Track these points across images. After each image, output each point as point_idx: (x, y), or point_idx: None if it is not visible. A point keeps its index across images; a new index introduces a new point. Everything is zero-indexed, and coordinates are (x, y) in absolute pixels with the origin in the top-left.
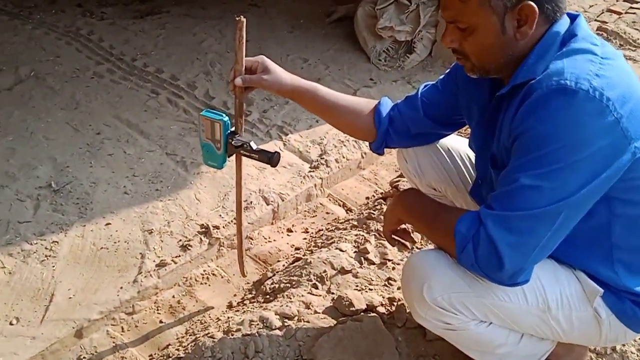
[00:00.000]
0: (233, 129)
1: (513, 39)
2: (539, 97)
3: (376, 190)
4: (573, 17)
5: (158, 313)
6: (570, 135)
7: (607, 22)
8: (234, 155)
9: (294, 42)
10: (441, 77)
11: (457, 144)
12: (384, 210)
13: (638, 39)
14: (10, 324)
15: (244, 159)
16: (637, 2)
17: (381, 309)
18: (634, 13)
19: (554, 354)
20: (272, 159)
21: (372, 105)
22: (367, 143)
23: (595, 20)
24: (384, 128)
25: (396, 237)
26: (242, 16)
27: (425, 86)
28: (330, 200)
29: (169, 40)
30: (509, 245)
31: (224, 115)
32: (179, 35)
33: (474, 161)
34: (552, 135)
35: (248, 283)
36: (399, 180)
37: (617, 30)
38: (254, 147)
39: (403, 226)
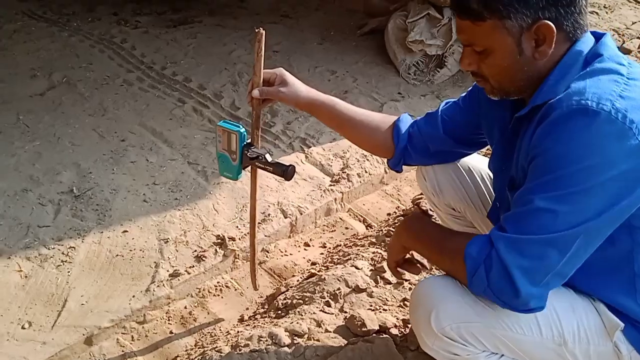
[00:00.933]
0: (249, 140)
1: (532, 59)
2: (558, 117)
3: (398, 207)
4: (598, 36)
5: (169, 323)
6: (589, 158)
7: None
8: (250, 167)
9: (323, 53)
10: (463, 94)
11: (479, 163)
12: (388, 250)
13: None
14: (23, 327)
15: (260, 171)
16: None
17: (394, 331)
18: None
19: None
20: (286, 172)
21: (391, 121)
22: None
23: (638, 37)
24: (402, 145)
25: (401, 270)
26: (261, 28)
27: (447, 103)
28: (350, 215)
29: (199, 49)
30: (521, 270)
31: (241, 126)
32: (209, 45)
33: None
34: (570, 156)
35: (261, 297)
36: (421, 197)
37: None
38: (269, 159)
39: (408, 256)
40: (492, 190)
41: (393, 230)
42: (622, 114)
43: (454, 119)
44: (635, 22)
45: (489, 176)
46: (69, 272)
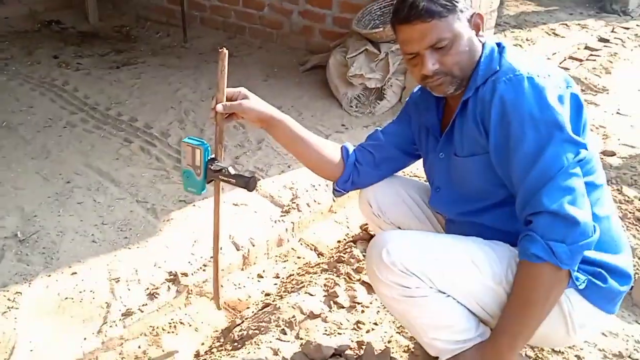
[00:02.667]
0: (213, 155)
1: (478, 44)
2: (506, 87)
3: (347, 234)
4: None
5: None
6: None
7: (569, 69)
8: (213, 181)
9: (268, 89)
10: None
11: (412, 180)
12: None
13: (598, 84)
14: None
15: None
16: (597, 50)
17: (350, 353)
18: (594, 60)
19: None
20: (248, 183)
21: (339, 146)
22: (332, 190)
23: (558, 66)
24: (351, 161)
25: None
26: (224, 47)
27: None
28: (301, 244)
29: (144, 89)
30: (567, 204)
31: (205, 142)
32: (154, 84)
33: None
34: (533, 109)
35: (216, 331)
36: (368, 224)
37: (579, 76)
38: (232, 172)
39: None
40: (427, 198)
41: (343, 256)
42: (544, 74)
43: (392, 131)
44: (555, 53)
45: (423, 187)
46: (15, 318)
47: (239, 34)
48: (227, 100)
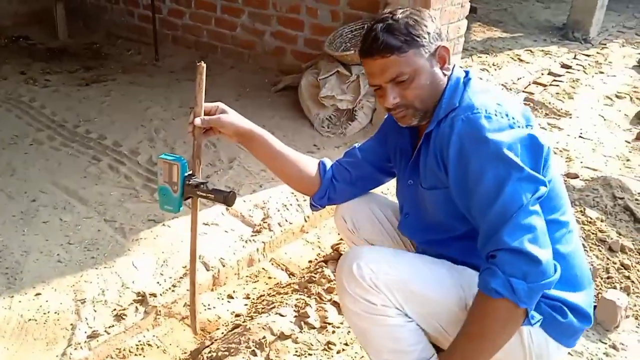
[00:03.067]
0: (191, 172)
1: (442, 76)
2: (462, 126)
3: (319, 254)
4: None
5: None
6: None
7: (533, 94)
8: (190, 198)
9: (240, 109)
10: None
11: (387, 200)
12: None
13: (561, 108)
14: None
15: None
16: (560, 76)
17: None
18: (557, 85)
19: None
20: (227, 198)
21: (316, 161)
22: (309, 204)
23: (523, 91)
24: (328, 177)
25: None
26: (202, 61)
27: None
28: (273, 264)
29: (114, 107)
30: (529, 242)
31: (182, 158)
32: (124, 102)
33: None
34: (492, 146)
35: (185, 352)
36: (339, 243)
37: (543, 100)
38: (210, 187)
39: None
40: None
41: (314, 276)
42: (501, 114)
43: (368, 148)
44: (520, 78)
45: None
46: None
47: (211, 53)
48: (205, 114)
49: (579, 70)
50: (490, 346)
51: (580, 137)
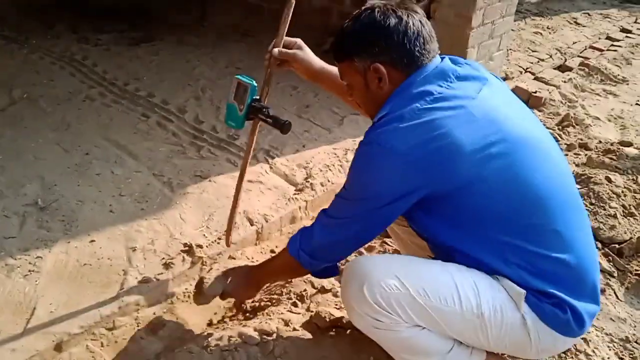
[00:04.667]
0: (258, 97)
1: (376, 92)
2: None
3: None
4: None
5: (138, 329)
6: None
7: (589, 59)
8: (253, 120)
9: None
10: None
11: None
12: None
13: (618, 74)
14: None
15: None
16: (618, 40)
17: None
18: (615, 50)
19: None
20: (283, 125)
21: None
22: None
23: (578, 56)
24: None
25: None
26: None
27: None
28: None
29: (162, 66)
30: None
31: (254, 81)
32: (171, 61)
33: None
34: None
35: (229, 302)
36: None
37: (599, 66)
38: (271, 113)
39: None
40: None
41: None
42: (392, 144)
43: None
44: (575, 42)
45: None
46: (36, 281)
47: (256, 13)
48: (284, 47)
49: (639, 35)
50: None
51: (636, 104)
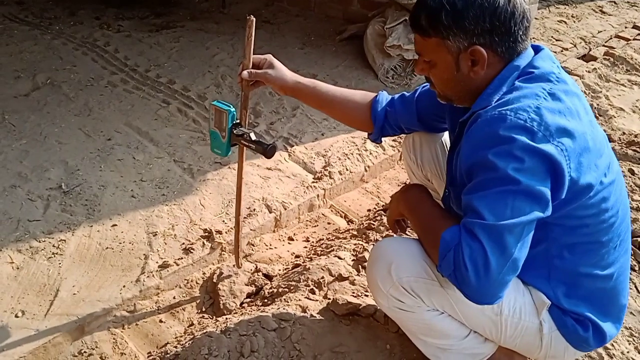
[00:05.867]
0: (238, 120)
1: (468, 76)
2: (481, 123)
3: (378, 203)
4: (537, 50)
5: (158, 312)
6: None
7: (614, 48)
8: (237, 145)
9: (304, 58)
10: None
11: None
12: (389, 207)
13: None
14: (16, 316)
15: (246, 166)
16: None
17: (376, 315)
18: None
19: (494, 358)
20: (267, 149)
21: (369, 99)
22: (370, 154)
23: (603, 45)
24: (380, 124)
25: (397, 226)
26: (252, 15)
27: (424, 86)
28: (332, 211)
29: (183, 53)
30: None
31: (232, 106)
32: (192, 48)
33: None
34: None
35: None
36: None
37: (624, 55)
38: (253, 138)
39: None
40: None
41: (373, 223)
42: (537, 122)
43: (428, 107)
44: (600, 31)
45: None
46: (60, 263)
47: (277, 1)
48: (253, 67)
49: None
50: (420, 234)
51: None
